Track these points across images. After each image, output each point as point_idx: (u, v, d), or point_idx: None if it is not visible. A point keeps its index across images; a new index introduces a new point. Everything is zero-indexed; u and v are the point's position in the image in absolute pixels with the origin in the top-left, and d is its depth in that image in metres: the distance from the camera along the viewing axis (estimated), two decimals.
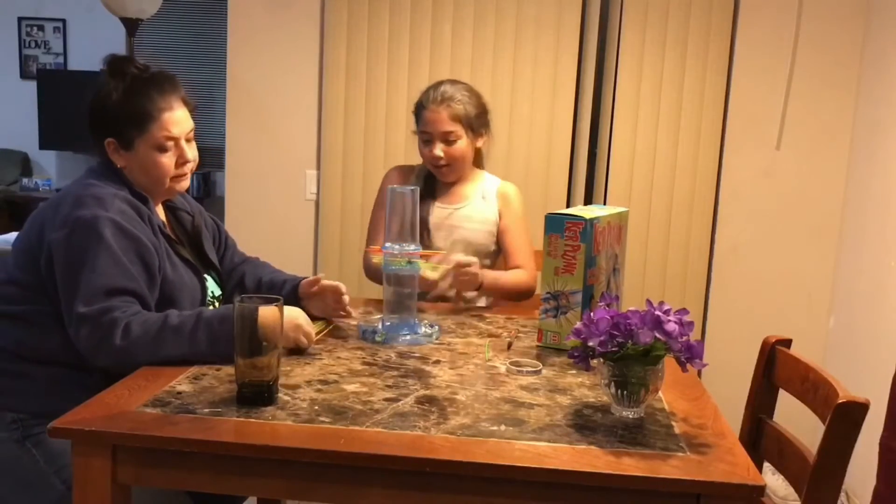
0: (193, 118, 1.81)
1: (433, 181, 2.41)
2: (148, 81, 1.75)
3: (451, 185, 2.41)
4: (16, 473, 1.59)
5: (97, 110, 1.75)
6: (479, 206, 2.41)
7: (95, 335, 1.54)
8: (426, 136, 2.34)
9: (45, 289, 1.64)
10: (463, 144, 2.33)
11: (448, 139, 2.31)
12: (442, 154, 2.31)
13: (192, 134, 1.80)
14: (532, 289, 2.37)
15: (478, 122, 2.36)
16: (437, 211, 2.39)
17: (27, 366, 1.64)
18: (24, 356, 1.64)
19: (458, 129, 2.31)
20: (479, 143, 2.40)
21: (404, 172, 2.49)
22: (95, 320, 1.54)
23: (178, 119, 1.76)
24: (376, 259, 1.89)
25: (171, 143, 1.75)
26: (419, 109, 2.36)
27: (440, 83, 2.37)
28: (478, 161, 2.47)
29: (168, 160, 1.76)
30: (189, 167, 1.81)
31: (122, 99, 1.72)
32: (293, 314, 1.67)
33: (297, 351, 1.68)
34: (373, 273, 2.38)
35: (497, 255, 2.45)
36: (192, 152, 1.80)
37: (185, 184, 1.83)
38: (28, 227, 1.71)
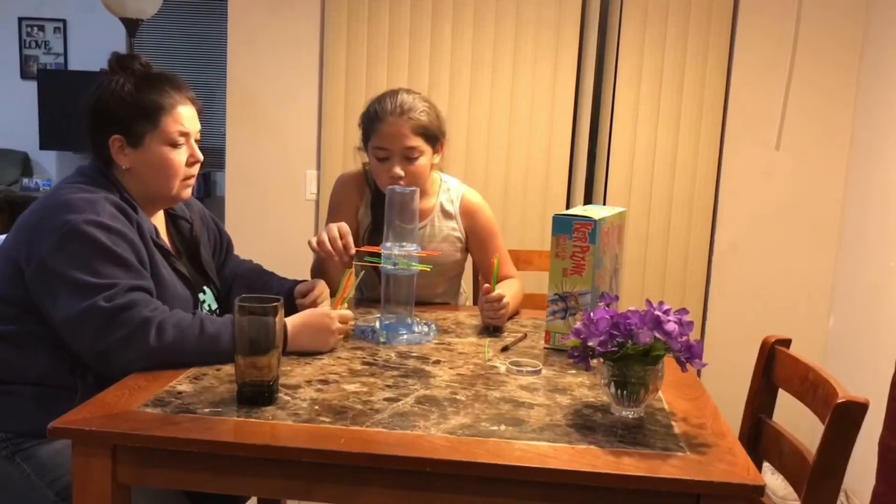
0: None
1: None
2: (158, 76, 1.70)
3: None
4: (7, 489, 1.56)
5: (103, 105, 1.67)
6: (440, 224, 2.21)
7: (121, 332, 1.47)
8: (383, 154, 2.06)
9: (32, 304, 1.55)
10: (425, 161, 2.08)
11: (410, 156, 2.05)
12: (402, 173, 2.05)
13: (199, 135, 1.75)
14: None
15: (438, 134, 2.11)
16: None
17: (14, 386, 1.57)
18: (10, 380, 1.57)
19: (420, 143, 2.05)
20: (437, 159, 2.15)
21: (356, 181, 2.24)
22: (120, 316, 1.47)
23: (190, 115, 1.71)
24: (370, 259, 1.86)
25: (183, 139, 1.69)
26: (372, 122, 2.07)
27: (395, 92, 2.09)
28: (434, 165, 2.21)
29: (180, 157, 1.69)
30: (197, 168, 1.74)
31: (133, 92, 1.65)
32: (322, 320, 1.68)
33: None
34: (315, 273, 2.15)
35: (461, 264, 2.30)
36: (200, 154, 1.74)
37: (190, 191, 1.76)
38: (14, 233, 1.61)
